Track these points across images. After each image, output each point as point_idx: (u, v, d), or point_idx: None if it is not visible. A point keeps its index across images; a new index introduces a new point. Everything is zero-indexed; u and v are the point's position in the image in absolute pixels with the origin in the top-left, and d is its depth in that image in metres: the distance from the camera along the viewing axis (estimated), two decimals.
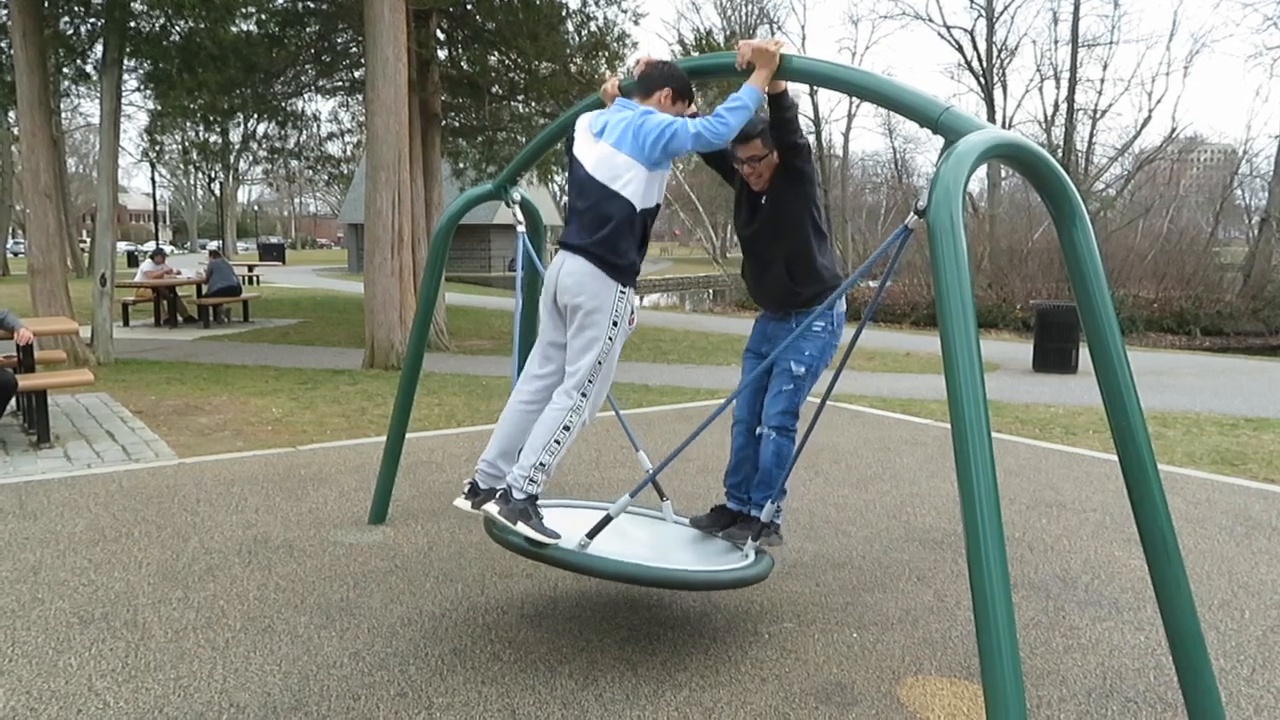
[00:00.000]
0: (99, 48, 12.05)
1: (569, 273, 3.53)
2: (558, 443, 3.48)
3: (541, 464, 3.46)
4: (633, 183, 3.44)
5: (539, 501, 3.54)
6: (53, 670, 3.39)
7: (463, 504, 3.76)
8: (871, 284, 22.65)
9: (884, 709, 3.15)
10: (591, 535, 3.42)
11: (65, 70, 13.55)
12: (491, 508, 3.50)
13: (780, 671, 3.42)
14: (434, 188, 14.54)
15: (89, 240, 36.79)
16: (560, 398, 3.52)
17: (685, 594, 4.13)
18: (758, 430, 4.00)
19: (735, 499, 4.12)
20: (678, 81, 3.61)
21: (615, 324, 3.50)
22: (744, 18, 42.99)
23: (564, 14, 14.37)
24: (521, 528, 3.41)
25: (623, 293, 3.51)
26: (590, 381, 3.50)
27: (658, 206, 3.58)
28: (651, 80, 3.61)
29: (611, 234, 3.46)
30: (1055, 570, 4.50)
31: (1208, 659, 2.74)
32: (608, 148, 3.49)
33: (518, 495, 3.47)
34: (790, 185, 3.82)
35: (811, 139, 41.82)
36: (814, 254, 3.88)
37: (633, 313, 3.57)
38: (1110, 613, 3.98)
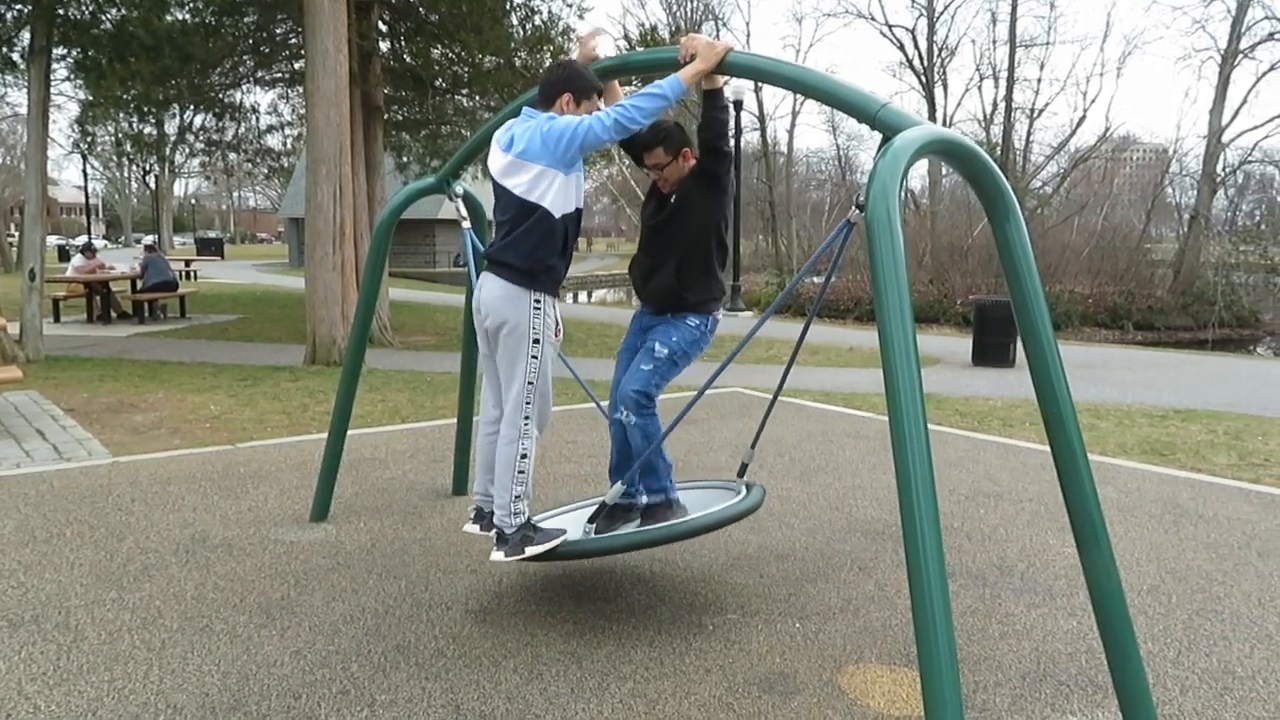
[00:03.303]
0: (26, 35, 11.68)
1: (485, 296, 3.57)
2: (521, 472, 3.55)
3: (517, 496, 3.55)
4: (550, 190, 3.43)
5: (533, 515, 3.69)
6: None
7: (472, 528, 3.88)
8: (816, 280, 22.92)
9: (825, 697, 3.20)
10: (593, 521, 3.69)
11: None
12: (497, 555, 3.59)
13: (724, 662, 3.45)
14: (376, 181, 14.37)
15: (17, 234, 35.67)
16: (506, 429, 3.56)
17: (630, 587, 4.14)
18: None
19: (624, 495, 4.08)
20: (576, 83, 3.56)
21: (537, 341, 3.50)
22: (689, 13, 43.08)
23: (508, 7, 14.28)
24: (530, 552, 3.54)
25: (537, 305, 3.49)
26: (528, 403, 3.53)
27: (579, 211, 3.56)
28: (551, 86, 3.57)
29: (531, 244, 3.46)
30: (992, 559, 4.60)
31: (1136, 643, 2.82)
32: (518, 161, 3.46)
33: (510, 531, 3.56)
34: (703, 190, 3.80)
35: (756, 135, 42.10)
36: (709, 263, 3.87)
37: (557, 325, 3.57)
38: (1044, 599, 4.08)
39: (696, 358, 3.97)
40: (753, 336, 3.66)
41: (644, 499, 3.98)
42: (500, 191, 3.55)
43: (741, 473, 4.24)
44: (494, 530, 3.67)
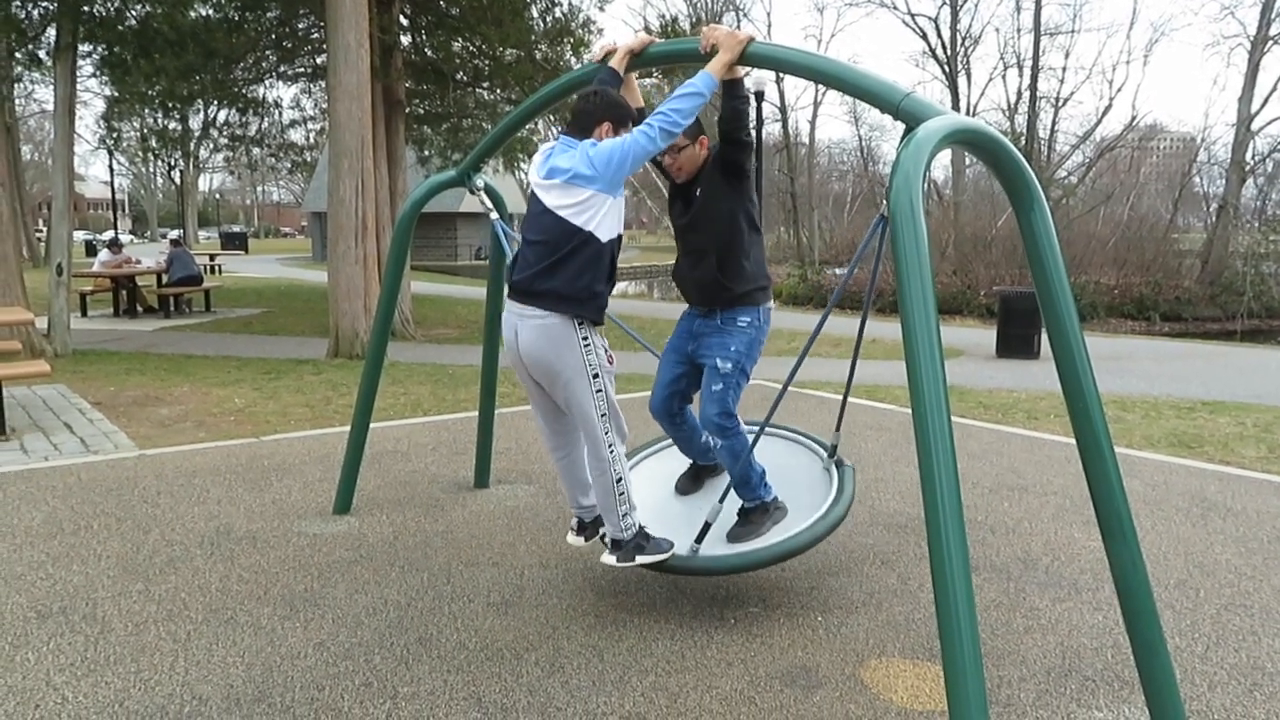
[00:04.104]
0: (51, 32, 11.78)
1: (526, 343, 3.46)
2: (622, 493, 3.58)
3: (624, 513, 3.60)
4: (599, 215, 3.35)
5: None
6: (9, 665, 3.33)
7: (575, 540, 3.94)
8: (840, 272, 22.87)
9: (848, 691, 3.18)
10: (699, 540, 3.70)
11: (17, 55, 13.26)
12: (609, 559, 3.67)
13: (746, 655, 3.44)
14: (398, 175, 14.42)
15: (45, 229, 36.08)
16: (595, 461, 3.57)
17: (651, 580, 4.14)
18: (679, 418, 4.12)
19: (703, 460, 4.29)
20: (614, 111, 3.48)
21: (596, 376, 3.46)
22: (710, 4, 42.90)
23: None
24: (640, 560, 3.63)
25: (586, 342, 3.43)
26: (607, 432, 3.53)
27: (620, 236, 3.49)
28: (588, 116, 3.48)
29: (575, 270, 3.37)
30: (1016, 552, 4.56)
31: (1163, 637, 2.78)
32: (568, 185, 3.35)
33: (626, 540, 3.63)
34: (727, 179, 3.77)
35: (777, 126, 41.94)
36: (747, 250, 3.83)
37: (608, 353, 3.54)
38: (1070, 593, 4.04)
39: (760, 355, 3.93)
40: (813, 340, 3.67)
41: (719, 457, 4.00)
42: (541, 213, 3.43)
43: (831, 454, 4.27)
44: (607, 538, 3.71)
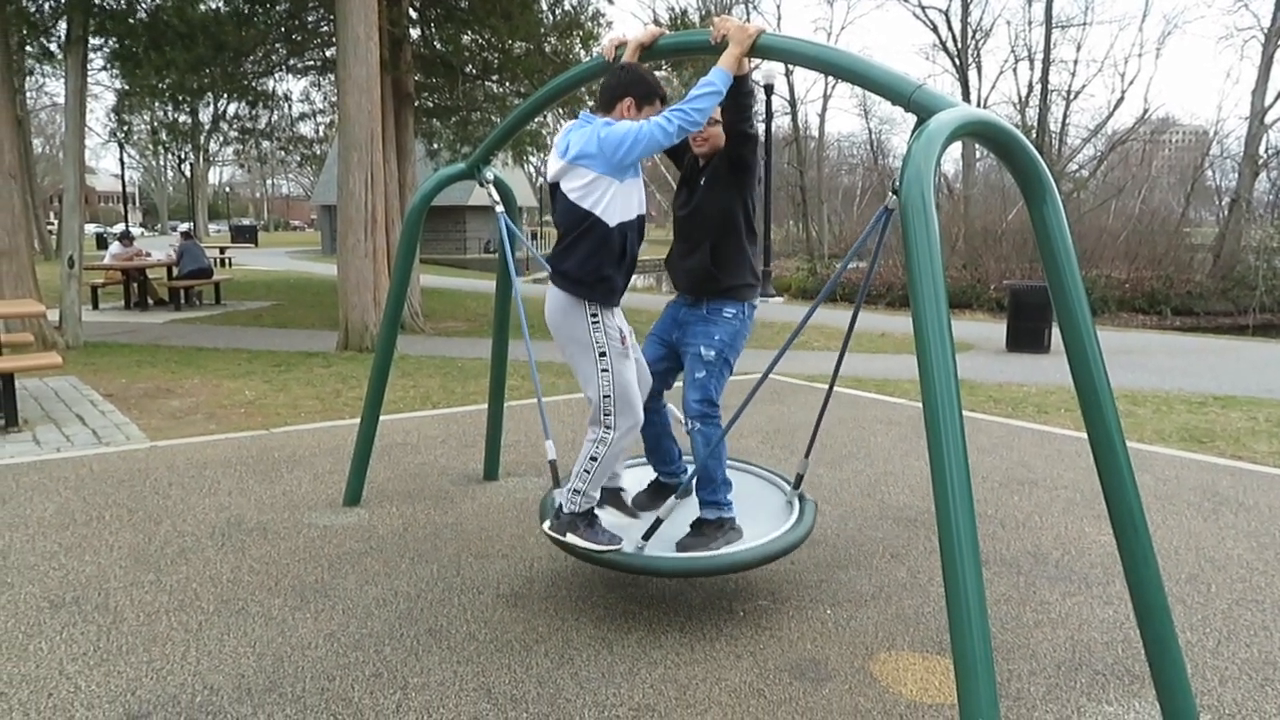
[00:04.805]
0: (63, 25, 11.81)
1: (547, 308, 3.56)
2: (587, 471, 3.58)
3: (576, 489, 3.59)
4: (604, 198, 3.37)
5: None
6: (23, 655, 3.36)
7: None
8: (854, 265, 22.79)
9: (857, 684, 3.18)
10: (647, 538, 3.62)
11: (28, 48, 13.28)
12: (546, 523, 3.66)
13: (755, 648, 3.45)
14: (408, 168, 14.42)
15: (56, 222, 36.21)
16: (590, 428, 3.61)
17: None
18: (665, 408, 4.12)
19: (665, 474, 4.21)
20: (639, 88, 3.47)
21: (604, 354, 3.48)
22: None
23: None
24: (570, 538, 3.58)
25: (595, 319, 3.46)
26: (607, 414, 3.53)
27: (640, 218, 3.50)
28: (612, 91, 3.48)
29: (583, 253, 3.42)
30: (1026, 546, 4.55)
31: (1174, 632, 2.77)
32: (572, 166, 3.38)
33: (566, 511, 3.62)
34: (731, 172, 3.78)
35: (787, 119, 41.82)
36: (741, 245, 3.84)
37: (621, 333, 3.55)
38: (1080, 588, 4.03)
39: (743, 348, 3.93)
40: (803, 326, 3.64)
41: (687, 476, 3.96)
42: (556, 195, 3.48)
43: (796, 484, 4.16)
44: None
